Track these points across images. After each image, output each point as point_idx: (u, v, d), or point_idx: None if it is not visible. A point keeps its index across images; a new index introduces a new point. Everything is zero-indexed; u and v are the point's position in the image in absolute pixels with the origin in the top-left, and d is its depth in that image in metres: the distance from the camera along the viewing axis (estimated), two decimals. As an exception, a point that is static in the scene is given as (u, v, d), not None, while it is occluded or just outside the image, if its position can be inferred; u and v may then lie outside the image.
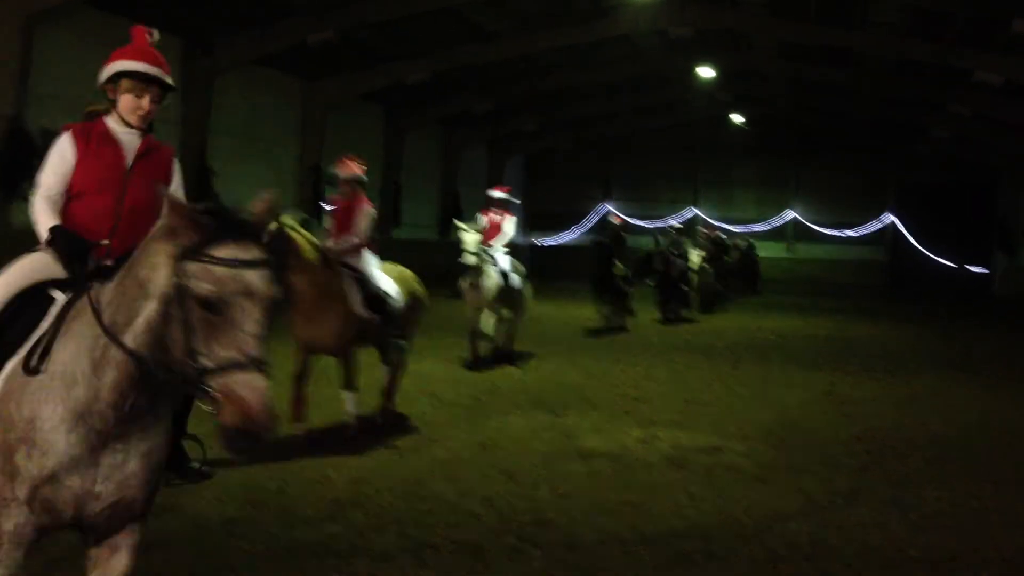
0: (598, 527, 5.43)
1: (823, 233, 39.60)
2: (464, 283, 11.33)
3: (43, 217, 3.60)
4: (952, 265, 37.64)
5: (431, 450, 7.13)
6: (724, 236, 27.21)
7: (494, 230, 11.71)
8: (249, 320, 2.66)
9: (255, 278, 2.68)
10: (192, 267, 2.69)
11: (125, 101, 3.65)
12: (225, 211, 2.81)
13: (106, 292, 3.02)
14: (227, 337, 2.65)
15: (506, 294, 11.49)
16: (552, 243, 40.49)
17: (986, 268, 36.81)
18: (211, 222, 2.73)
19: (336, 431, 7.50)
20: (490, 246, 11.41)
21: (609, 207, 40.63)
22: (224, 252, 2.68)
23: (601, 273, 16.05)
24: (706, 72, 28.95)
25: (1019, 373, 12.92)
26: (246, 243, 2.72)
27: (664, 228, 22.70)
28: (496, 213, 11.94)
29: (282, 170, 25.59)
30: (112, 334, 2.90)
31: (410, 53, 24.78)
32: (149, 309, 2.84)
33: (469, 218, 13.05)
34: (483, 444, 7.37)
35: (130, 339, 2.87)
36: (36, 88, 17.69)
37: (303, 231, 7.26)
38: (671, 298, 18.63)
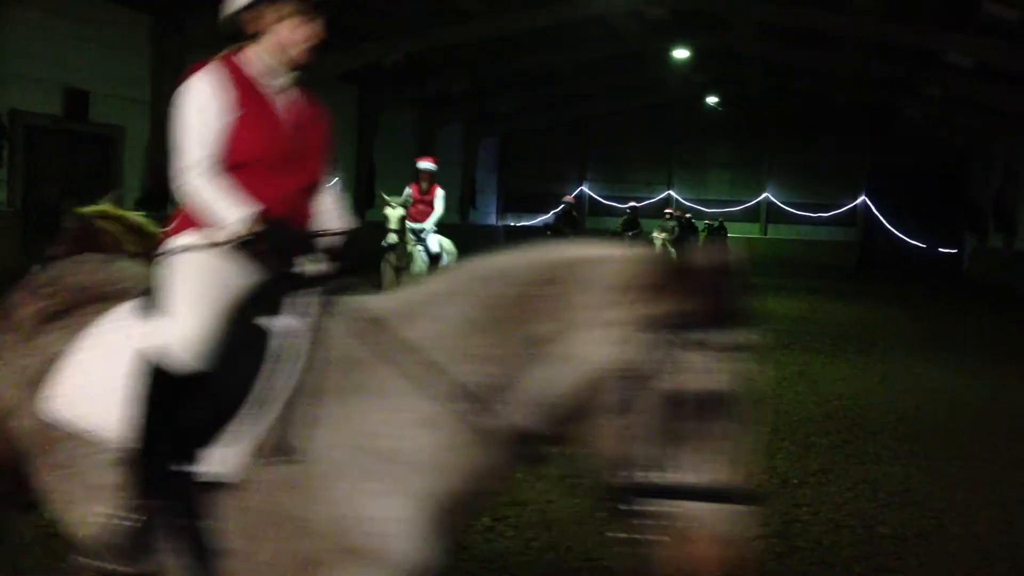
0: (572, 507, 5.46)
1: (796, 214, 39.88)
2: (386, 265, 10.07)
3: (223, 201, 2.48)
4: (923, 246, 38.03)
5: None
6: (690, 216, 25.77)
7: (424, 207, 10.83)
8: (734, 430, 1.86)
9: (743, 370, 1.88)
10: (677, 350, 1.90)
11: (288, 30, 2.64)
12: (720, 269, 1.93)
13: (419, 326, 2.07)
14: (700, 449, 1.92)
15: None
16: (527, 224, 40.52)
17: (956, 249, 37.23)
18: (717, 284, 1.87)
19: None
20: (416, 223, 10.48)
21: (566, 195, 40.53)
22: (724, 336, 1.93)
23: None
24: (681, 53, 28.97)
25: (988, 352, 13.09)
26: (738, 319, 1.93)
27: (626, 210, 22.25)
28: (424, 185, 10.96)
29: (255, 150, 25.37)
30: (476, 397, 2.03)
31: (385, 33, 24.60)
32: (559, 383, 2.04)
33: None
34: (458, 425, 7.37)
35: (512, 411, 2.07)
36: (3, 68, 17.40)
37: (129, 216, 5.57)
38: None
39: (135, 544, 2.18)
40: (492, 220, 42.98)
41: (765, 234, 40.53)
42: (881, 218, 38.91)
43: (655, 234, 18.02)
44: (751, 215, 40.53)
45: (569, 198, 16.35)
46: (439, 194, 11.07)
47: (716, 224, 30.41)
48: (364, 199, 30.75)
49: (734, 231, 39.40)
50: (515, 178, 41.63)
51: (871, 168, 38.94)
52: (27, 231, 18.41)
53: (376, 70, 26.72)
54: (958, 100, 29.14)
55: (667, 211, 21.52)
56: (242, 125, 2.58)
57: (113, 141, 20.75)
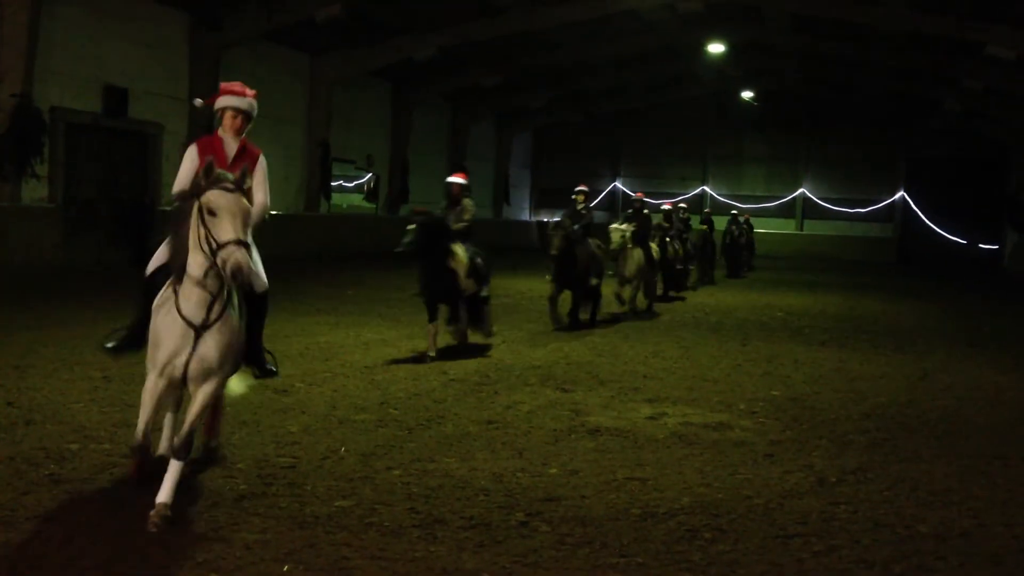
0: (607, 503, 5.44)
1: (833, 210, 39.46)
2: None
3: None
4: (962, 241, 37.47)
5: (440, 427, 7.15)
6: (684, 209, 21.71)
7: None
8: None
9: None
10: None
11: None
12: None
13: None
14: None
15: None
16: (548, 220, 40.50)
17: (996, 244, 36.64)
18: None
19: (346, 406, 7.53)
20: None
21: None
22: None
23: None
24: (716, 47, 28.75)
25: (1030, 350, 12.88)
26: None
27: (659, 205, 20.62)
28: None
29: (290, 146, 25.57)
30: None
31: (418, 28, 24.66)
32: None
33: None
34: (492, 421, 7.38)
35: None
36: (44, 66, 17.66)
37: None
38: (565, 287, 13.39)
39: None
40: (525, 216, 42.98)
41: (801, 230, 40.19)
42: (920, 213, 38.37)
43: (613, 226, 14.90)
44: (787, 211, 40.19)
45: (583, 186, 14.88)
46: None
47: (744, 220, 29.39)
48: (399, 195, 30.86)
49: (770, 227, 39.03)
50: (548, 174, 41.60)
51: (909, 163, 38.44)
52: (67, 226, 18.70)
53: (409, 65, 26.80)
54: (999, 93, 28.67)
55: (634, 196, 17.31)
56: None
57: (151, 138, 21.01)
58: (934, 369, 10.89)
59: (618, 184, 41.05)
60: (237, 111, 5.46)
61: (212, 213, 4.51)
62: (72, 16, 18.30)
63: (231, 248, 4.45)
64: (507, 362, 10.20)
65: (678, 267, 18.91)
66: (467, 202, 11.06)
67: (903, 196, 38.80)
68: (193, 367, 4.80)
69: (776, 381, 9.73)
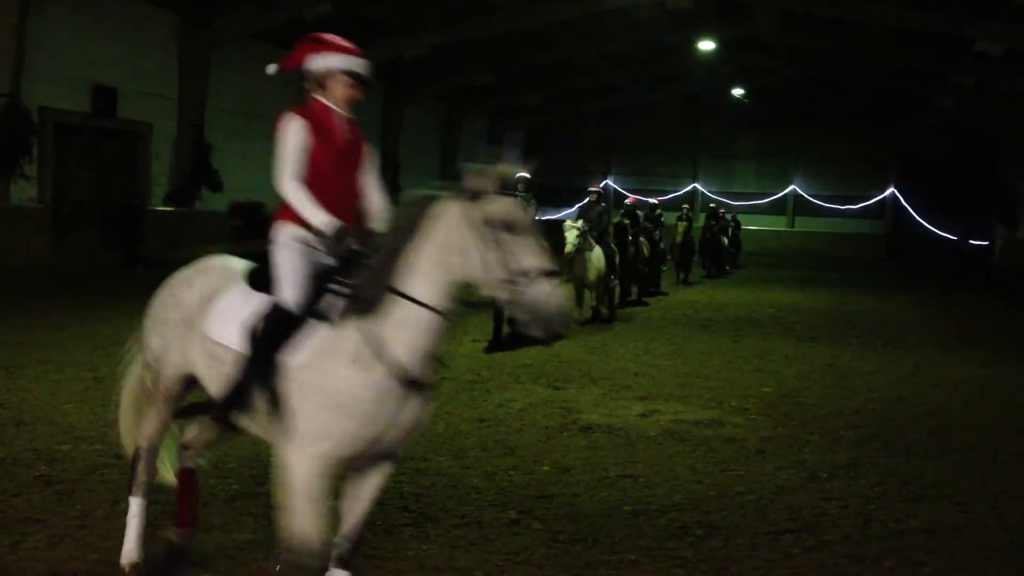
0: (599, 500, 5.46)
1: (824, 206, 39.54)
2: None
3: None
4: (953, 237, 37.60)
5: (433, 425, 7.15)
6: (655, 206, 20.35)
7: None
8: None
9: None
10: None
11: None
12: None
13: None
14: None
15: None
16: (551, 218, 40.52)
17: (987, 240, 36.78)
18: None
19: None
20: None
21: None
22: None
23: None
24: (707, 45, 28.76)
25: (1020, 345, 12.93)
26: None
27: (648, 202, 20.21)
28: None
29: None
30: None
31: (410, 26, 24.61)
32: None
33: None
34: (484, 419, 7.38)
35: None
36: (33, 66, 17.58)
37: None
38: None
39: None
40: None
41: (792, 226, 40.25)
42: (910, 210, 38.49)
43: (568, 223, 13.35)
44: (778, 207, 40.25)
45: (595, 187, 14.65)
46: None
47: (731, 217, 28.50)
48: (389, 193, 30.84)
49: (761, 224, 38.99)
50: (540, 171, 41.53)
51: (900, 159, 38.54)
52: (57, 226, 18.62)
53: (400, 64, 26.76)
54: (989, 89, 28.76)
55: (592, 188, 15.00)
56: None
57: (141, 137, 20.93)
58: (924, 364, 10.94)
59: (609, 181, 41.09)
60: (354, 77, 3.96)
61: (511, 229, 3.25)
62: (61, 16, 18.22)
63: (546, 282, 3.21)
64: (499, 360, 10.20)
65: (641, 268, 17.08)
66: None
67: (894, 192, 38.91)
68: (395, 439, 3.52)
69: (767, 377, 9.76)
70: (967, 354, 11.88)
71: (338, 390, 3.36)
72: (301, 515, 3.49)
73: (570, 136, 40.74)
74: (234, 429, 3.93)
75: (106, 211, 19.82)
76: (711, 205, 27.95)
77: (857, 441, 7.10)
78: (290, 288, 3.65)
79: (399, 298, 3.36)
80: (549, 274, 3.22)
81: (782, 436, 7.19)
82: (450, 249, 3.32)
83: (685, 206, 24.58)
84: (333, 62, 3.94)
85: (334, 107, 3.96)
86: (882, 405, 8.49)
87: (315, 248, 3.75)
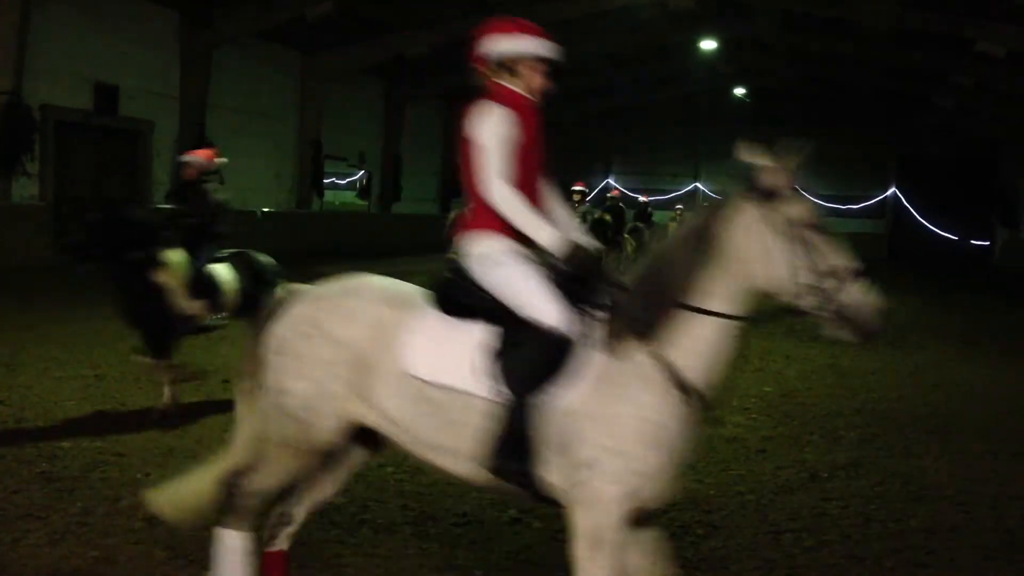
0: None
1: (825, 206, 39.52)
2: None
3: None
4: (953, 237, 37.57)
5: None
6: (649, 204, 20.34)
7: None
8: None
9: None
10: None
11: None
12: None
13: None
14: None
15: None
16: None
17: (987, 240, 36.76)
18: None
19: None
20: None
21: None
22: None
23: None
24: (708, 44, 28.74)
25: (1020, 345, 12.92)
26: None
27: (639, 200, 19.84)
28: None
29: (281, 144, 25.50)
30: None
31: (410, 25, 24.61)
32: None
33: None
34: (485, 417, 7.38)
35: None
36: (34, 63, 17.58)
37: None
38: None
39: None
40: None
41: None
42: (911, 210, 38.47)
43: None
44: (778, 207, 40.21)
45: (579, 185, 14.60)
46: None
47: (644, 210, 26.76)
48: (391, 192, 30.83)
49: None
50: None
51: (901, 159, 38.51)
52: (57, 224, 18.62)
53: (401, 63, 26.75)
54: (989, 90, 28.74)
55: (575, 188, 15.09)
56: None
57: (142, 135, 20.94)
58: (925, 365, 10.93)
59: (611, 181, 41.06)
60: (543, 63, 3.57)
61: (814, 230, 3.05)
62: (62, 13, 18.22)
63: (858, 282, 3.09)
64: (500, 359, 10.19)
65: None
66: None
67: (894, 192, 38.88)
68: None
69: (768, 377, 9.76)
70: (968, 354, 11.87)
71: (644, 419, 3.01)
72: (605, 571, 3.07)
73: (571, 135, 40.71)
74: (539, 498, 3.28)
75: (107, 210, 19.80)
76: (677, 207, 27.82)
77: (858, 441, 7.10)
78: (550, 310, 3.13)
79: (688, 315, 3.05)
80: (859, 273, 3.08)
81: (783, 436, 7.19)
82: (750, 256, 3.03)
83: (678, 206, 24.48)
84: (528, 46, 3.54)
85: (529, 96, 3.48)
86: (883, 405, 8.49)
87: (536, 263, 3.29)
